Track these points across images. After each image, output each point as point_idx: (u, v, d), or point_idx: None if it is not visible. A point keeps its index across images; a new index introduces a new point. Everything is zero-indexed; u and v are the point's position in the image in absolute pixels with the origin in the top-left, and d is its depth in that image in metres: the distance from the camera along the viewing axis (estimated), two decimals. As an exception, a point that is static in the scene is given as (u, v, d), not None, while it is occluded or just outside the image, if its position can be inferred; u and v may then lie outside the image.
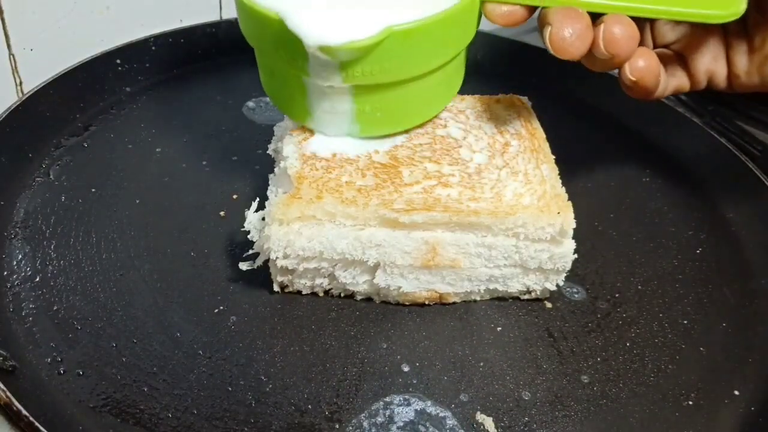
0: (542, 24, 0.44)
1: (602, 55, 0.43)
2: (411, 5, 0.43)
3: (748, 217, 0.59)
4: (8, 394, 0.38)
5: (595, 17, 0.43)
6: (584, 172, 0.63)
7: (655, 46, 0.51)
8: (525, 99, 0.56)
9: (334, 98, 0.46)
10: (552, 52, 0.43)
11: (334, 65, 0.43)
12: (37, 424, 0.37)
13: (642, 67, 0.45)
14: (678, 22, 0.49)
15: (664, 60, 0.49)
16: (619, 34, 0.42)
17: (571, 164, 0.56)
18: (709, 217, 0.60)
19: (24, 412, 0.38)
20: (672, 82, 0.50)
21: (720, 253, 0.56)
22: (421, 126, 0.51)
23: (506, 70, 0.75)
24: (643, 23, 0.50)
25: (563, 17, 0.42)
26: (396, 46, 0.42)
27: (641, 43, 0.46)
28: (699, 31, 0.49)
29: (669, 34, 0.50)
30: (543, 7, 0.44)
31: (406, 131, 0.50)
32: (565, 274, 0.49)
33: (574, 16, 0.42)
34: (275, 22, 0.42)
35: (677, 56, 0.50)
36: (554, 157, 0.51)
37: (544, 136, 0.52)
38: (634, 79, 0.45)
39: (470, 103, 0.55)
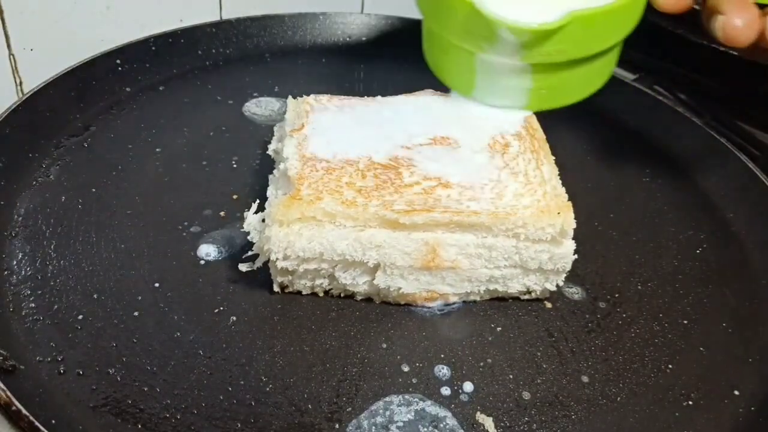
0: (711, 13, 0.46)
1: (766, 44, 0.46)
2: None
3: (748, 217, 0.59)
4: (8, 394, 0.38)
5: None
6: (584, 172, 0.63)
7: None
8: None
9: (506, 75, 0.49)
10: (722, 40, 0.46)
11: (517, 45, 0.46)
12: (37, 423, 0.37)
13: None
14: None
15: None
16: None
17: (571, 164, 0.56)
18: (709, 217, 0.60)
19: (24, 411, 0.38)
20: None
21: (720, 253, 0.56)
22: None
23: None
24: None
25: (735, 7, 0.45)
26: (576, 30, 0.45)
27: None
28: None
29: None
30: None
31: (564, 107, 0.52)
32: (565, 275, 0.49)
33: (744, 6, 0.45)
34: (467, 5, 0.46)
35: None
36: (554, 157, 0.51)
37: (545, 136, 0.52)
38: None
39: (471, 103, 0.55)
